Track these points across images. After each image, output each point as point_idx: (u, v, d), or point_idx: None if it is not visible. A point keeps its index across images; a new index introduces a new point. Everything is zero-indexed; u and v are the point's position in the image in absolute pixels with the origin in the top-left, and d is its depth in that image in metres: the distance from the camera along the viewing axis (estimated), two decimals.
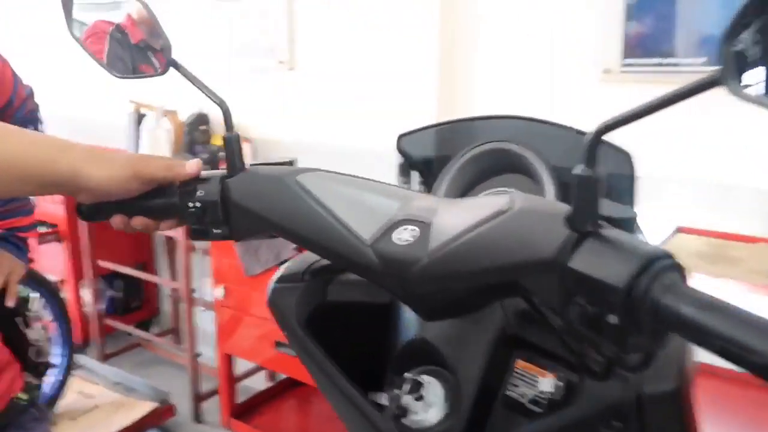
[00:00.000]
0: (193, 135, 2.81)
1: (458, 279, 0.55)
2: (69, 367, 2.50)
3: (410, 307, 0.62)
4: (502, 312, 0.67)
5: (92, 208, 0.70)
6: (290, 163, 0.75)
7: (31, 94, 1.16)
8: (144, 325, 3.41)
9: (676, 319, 0.40)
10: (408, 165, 0.89)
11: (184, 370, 2.73)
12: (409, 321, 0.71)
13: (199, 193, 0.68)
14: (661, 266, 0.42)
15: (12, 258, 1.09)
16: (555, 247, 0.46)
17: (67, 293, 3.06)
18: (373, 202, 0.63)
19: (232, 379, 2.45)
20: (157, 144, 2.74)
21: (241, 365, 2.54)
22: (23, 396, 1.02)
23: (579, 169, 0.45)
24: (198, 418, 2.69)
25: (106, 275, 3.20)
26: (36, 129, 1.18)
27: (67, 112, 3.61)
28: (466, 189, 0.84)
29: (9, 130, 0.61)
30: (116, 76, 0.75)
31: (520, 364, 0.68)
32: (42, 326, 2.40)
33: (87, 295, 3.06)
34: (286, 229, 0.65)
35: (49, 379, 2.41)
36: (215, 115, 2.85)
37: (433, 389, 0.67)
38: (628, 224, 0.48)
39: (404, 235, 0.59)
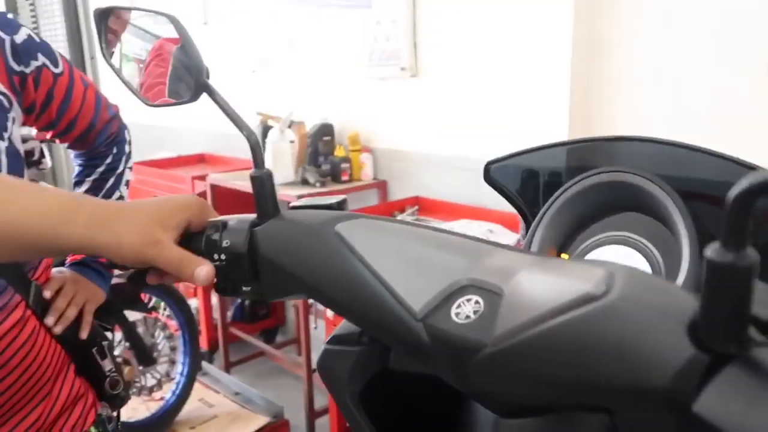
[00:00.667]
0: (317, 146, 2.79)
1: (529, 384, 0.38)
2: (193, 375, 2.55)
3: (476, 401, 0.46)
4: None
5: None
6: (339, 204, 0.61)
7: (115, 116, 1.13)
8: (270, 333, 3.46)
9: None
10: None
11: (303, 382, 2.70)
12: (481, 411, 0.54)
13: (224, 244, 0.56)
14: None
15: (90, 286, 1.06)
16: (670, 373, 0.28)
17: (197, 301, 3.16)
18: (432, 260, 0.48)
19: None
20: (281, 156, 2.73)
21: None
22: (94, 430, 0.97)
23: (713, 251, 0.27)
24: None
25: None
26: (120, 151, 1.15)
27: (199, 125, 3.78)
28: (572, 231, 0.65)
29: (8, 194, 0.53)
30: (148, 105, 0.66)
31: None
32: (167, 334, 2.49)
33: (215, 302, 3.15)
34: (319, 293, 0.51)
35: (174, 386, 2.48)
36: (341, 125, 2.80)
37: None
38: None
39: (466, 309, 0.43)
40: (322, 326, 2.47)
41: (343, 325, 0.65)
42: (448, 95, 2.37)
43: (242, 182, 2.76)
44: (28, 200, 0.53)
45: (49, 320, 0.93)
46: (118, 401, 1.02)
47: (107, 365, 1.01)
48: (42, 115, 0.98)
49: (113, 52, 0.67)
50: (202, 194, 2.91)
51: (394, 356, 0.62)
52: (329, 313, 2.20)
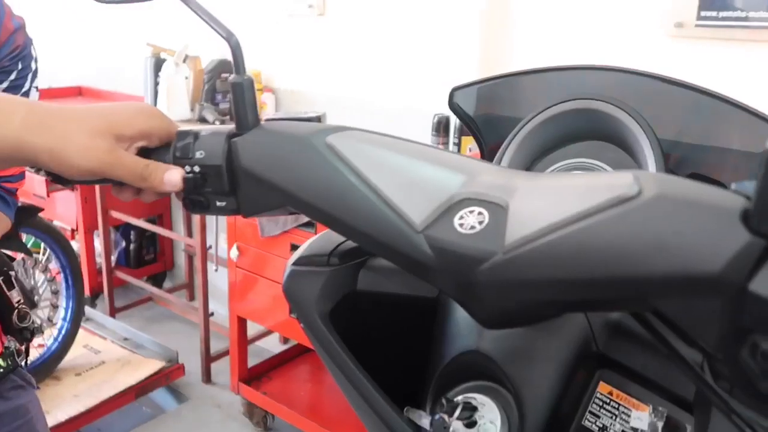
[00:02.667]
0: (214, 83, 2.65)
1: (550, 288, 0.39)
2: (77, 321, 2.40)
3: (468, 311, 0.47)
4: (587, 323, 0.52)
5: None
6: (318, 119, 0.58)
7: (20, 28, 1.00)
8: (158, 279, 3.32)
9: None
10: (462, 126, 0.74)
11: (196, 327, 2.64)
12: (462, 325, 0.56)
13: (198, 155, 0.53)
14: None
15: None
16: (724, 258, 0.30)
17: (78, 244, 2.96)
18: (428, 175, 0.48)
19: (243, 343, 2.34)
20: (175, 92, 2.58)
21: (255, 324, 2.43)
22: (2, 362, 0.90)
23: None
24: (208, 378, 2.61)
25: (121, 225, 3.10)
26: (26, 67, 1.02)
27: (72, 55, 3.46)
28: (533, 159, 0.67)
29: None
30: (101, 1, 0.59)
31: (605, 389, 0.53)
32: (49, 277, 2.32)
33: (99, 245, 2.96)
34: (310, 206, 0.49)
35: (56, 332, 2.33)
36: None
37: (489, 413, 0.53)
38: None
39: (469, 220, 0.43)
40: (223, 271, 2.40)
41: (308, 247, 0.64)
42: (356, 35, 2.33)
43: None
44: None
45: None
46: (27, 334, 0.94)
47: (15, 296, 0.93)
48: None
49: None
50: None
51: (364, 276, 0.61)
52: (234, 255, 2.14)
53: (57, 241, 2.36)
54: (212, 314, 2.56)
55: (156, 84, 2.63)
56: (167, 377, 2.38)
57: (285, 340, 2.73)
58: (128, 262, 3.21)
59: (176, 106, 2.56)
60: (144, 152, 0.55)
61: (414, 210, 0.46)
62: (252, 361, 2.40)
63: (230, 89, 0.54)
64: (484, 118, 0.71)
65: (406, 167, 0.49)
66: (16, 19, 1.00)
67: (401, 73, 2.22)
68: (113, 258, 3.05)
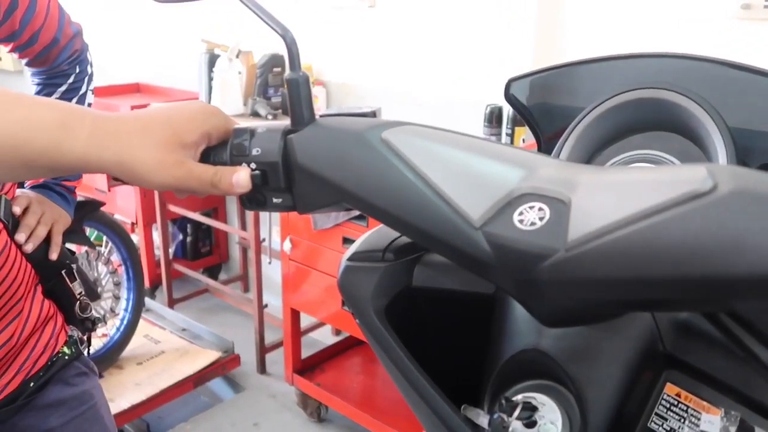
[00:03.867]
0: (267, 77, 2.68)
1: (616, 287, 0.37)
2: (137, 311, 2.48)
3: (528, 309, 0.46)
4: (653, 322, 0.50)
5: None
6: (373, 114, 0.58)
7: (78, 33, 1.05)
8: (213, 271, 3.40)
9: None
10: (515, 116, 0.72)
11: (250, 318, 2.69)
12: (521, 322, 0.54)
13: (254, 152, 0.53)
14: None
15: (56, 208, 1.01)
16: None
17: (137, 237, 3.05)
18: (486, 170, 0.46)
19: (297, 335, 2.37)
20: (229, 87, 2.62)
21: (308, 316, 2.46)
22: (67, 350, 0.94)
23: None
24: (263, 369, 2.65)
25: (178, 219, 3.18)
26: (83, 71, 1.07)
27: (131, 53, 3.56)
28: (594, 151, 0.65)
29: (2, 105, 0.47)
30: (159, 0, 0.60)
31: (672, 390, 0.51)
32: (111, 270, 2.40)
33: (157, 238, 3.05)
34: (365, 203, 0.49)
35: (118, 323, 2.41)
36: None
37: (550, 413, 0.52)
38: None
39: (529, 217, 0.42)
40: (277, 263, 2.44)
41: (363, 242, 0.63)
42: (407, 27, 2.31)
43: None
44: (23, 112, 0.48)
45: (20, 237, 0.88)
46: (89, 325, 0.99)
47: (77, 288, 0.97)
48: (4, 24, 0.89)
49: None
50: None
51: (419, 272, 0.61)
52: (287, 248, 2.17)
53: (118, 234, 2.43)
54: (266, 306, 2.61)
55: (210, 79, 2.68)
56: (224, 367, 2.44)
57: (337, 332, 2.75)
58: (185, 254, 3.30)
59: (230, 100, 2.60)
60: (202, 151, 0.56)
61: (472, 206, 0.45)
62: (305, 352, 2.43)
63: (285, 85, 0.54)
64: (540, 109, 0.69)
65: (463, 162, 0.48)
66: (75, 25, 1.04)
67: (452, 64, 2.19)
68: (171, 250, 3.14)
